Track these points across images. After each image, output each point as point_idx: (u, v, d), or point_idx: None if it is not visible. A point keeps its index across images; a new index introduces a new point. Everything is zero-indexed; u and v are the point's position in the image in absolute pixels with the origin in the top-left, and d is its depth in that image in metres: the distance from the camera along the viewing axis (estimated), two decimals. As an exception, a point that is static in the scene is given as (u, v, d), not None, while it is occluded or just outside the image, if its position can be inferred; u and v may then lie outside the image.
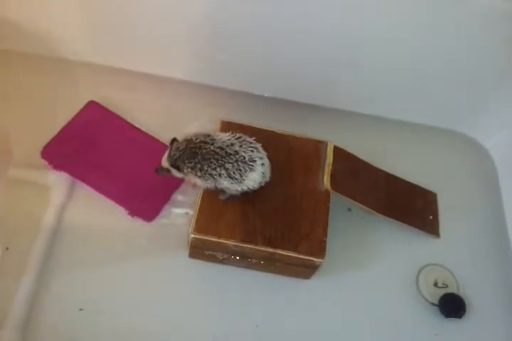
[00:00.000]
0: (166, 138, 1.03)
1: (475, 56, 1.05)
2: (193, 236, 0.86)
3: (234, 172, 0.83)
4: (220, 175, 0.83)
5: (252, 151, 0.84)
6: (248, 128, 0.95)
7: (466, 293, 0.97)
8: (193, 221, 0.86)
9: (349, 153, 1.01)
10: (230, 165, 0.82)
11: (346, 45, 1.05)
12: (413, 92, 1.14)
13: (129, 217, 0.96)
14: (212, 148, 0.82)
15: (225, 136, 0.85)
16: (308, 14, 0.99)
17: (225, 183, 0.84)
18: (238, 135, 0.85)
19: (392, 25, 1.00)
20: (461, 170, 1.16)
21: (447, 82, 1.11)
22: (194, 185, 0.89)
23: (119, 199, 0.96)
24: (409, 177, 1.08)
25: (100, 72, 1.14)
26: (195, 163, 0.83)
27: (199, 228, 0.85)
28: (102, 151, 1.01)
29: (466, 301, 0.95)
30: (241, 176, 0.83)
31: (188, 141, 0.84)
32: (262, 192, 0.88)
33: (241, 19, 1.04)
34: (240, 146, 0.83)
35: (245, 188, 0.86)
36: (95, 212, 0.95)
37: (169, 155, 0.85)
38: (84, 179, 0.98)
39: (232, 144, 0.83)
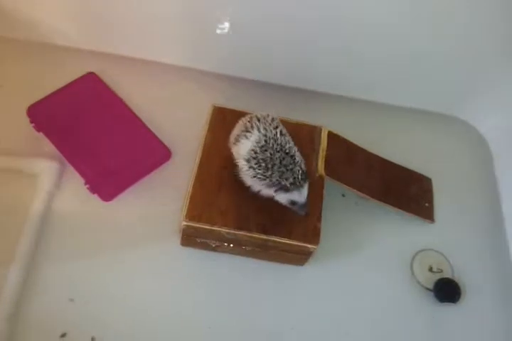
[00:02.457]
0: (155, 122, 1.02)
1: (468, 40, 1.03)
2: (184, 223, 0.84)
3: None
4: None
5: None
6: (240, 113, 0.93)
7: (461, 277, 0.96)
8: (185, 208, 0.84)
9: (343, 139, 0.99)
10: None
11: (342, 31, 1.03)
12: (407, 77, 1.12)
13: (119, 206, 0.94)
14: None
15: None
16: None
17: None
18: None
19: (387, 11, 0.98)
20: (456, 154, 1.15)
21: (441, 66, 1.09)
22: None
23: (84, 173, 0.95)
24: (403, 162, 1.07)
25: (90, 58, 1.11)
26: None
27: (191, 215, 0.84)
28: (86, 122, 1.00)
29: (461, 286, 0.95)
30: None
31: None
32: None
33: (232, 3, 1.01)
34: None
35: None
36: (84, 201, 0.93)
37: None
38: (58, 145, 0.97)
39: None
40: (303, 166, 0.81)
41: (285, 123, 0.95)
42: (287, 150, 0.80)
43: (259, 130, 0.80)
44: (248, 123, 0.82)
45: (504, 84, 1.11)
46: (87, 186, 0.94)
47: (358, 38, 1.04)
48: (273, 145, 0.79)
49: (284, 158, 0.79)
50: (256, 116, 0.83)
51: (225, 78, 1.14)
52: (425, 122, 1.18)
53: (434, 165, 1.10)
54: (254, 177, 0.81)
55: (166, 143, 1.00)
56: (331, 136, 0.96)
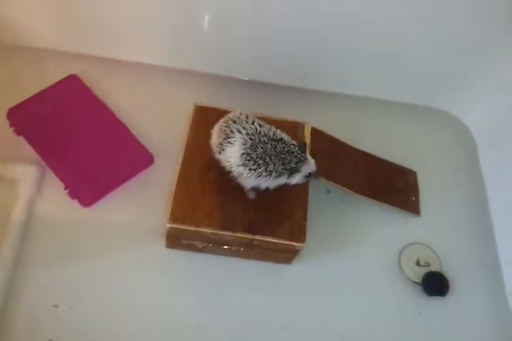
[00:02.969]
0: (137, 125, 1.01)
1: (450, 32, 1.03)
2: (168, 225, 0.83)
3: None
4: None
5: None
6: (223, 112, 0.92)
7: (449, 270, 0.96)
8: (168, 210, 0.83)
9: (327, 134, 0.99)
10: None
11: (322, 26, 1.02)
12: (389, 70, 1.12)
13: (103, 210, 0.93)
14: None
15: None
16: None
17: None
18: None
19: (369, 5, 0.97)
20: (440, 146, 1.15)
21: (423, 58, 1.09)
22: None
23: (64, 177, 0.93)
24: (388, 156, 1.06)
25: (70, 60, 1.09)
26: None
27: (174, 217, 0.83)
28: (67, 126, 0.99)
29: (449, 279, 0.95)
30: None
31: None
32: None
33: (211, 2, 1.00)
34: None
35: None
36: (66, 205, 0.92)
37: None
38: (38, 149, 0.96)
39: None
40: (293, 142, 0.80)
41: (267, 120, 0.93)
42: (274, 137, 0.79)
43: (240, 132, 0.79)
44: (226, 128, 0.80)
45: (487, 75, 1.11)
46: (67, 191, 0.92)
47: (339, 32, 1.03)
48: (260, 139, 0.78)
49: (276, 146, 0.78)
50: (231, 119, 0.81)
51: (206, 77, 1.13)
52: (409, 115, 1.18)
53: (419, 158, 1.10)
54: (259, 176, 0.79)
55: (149, 145, 0.99)
56: (314, 132, 0.95)
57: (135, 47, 1.12)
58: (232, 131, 0.79)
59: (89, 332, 0.83)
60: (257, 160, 0.78)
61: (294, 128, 0.96)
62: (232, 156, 0.79)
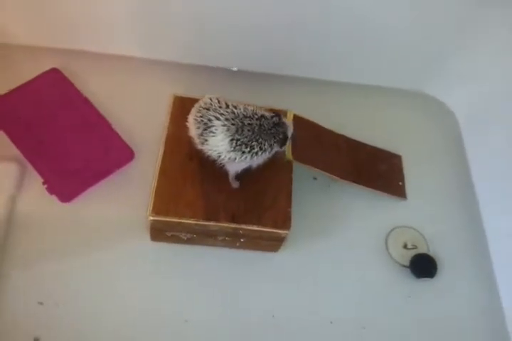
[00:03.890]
0: (119, 118, 1.00)
1: (429, 12, 1.02)
2: (151, 218, 0.82)
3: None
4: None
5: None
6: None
7: (437, 252, 0.97)
8: (150, 202, 0.82)
9: (309, 121, 0.98)
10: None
11: (299, 11, 1.00)
12: (369, 54, 1.11)
13: (86, 206, 0.91)
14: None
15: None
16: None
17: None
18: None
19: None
20: (424, 130, 1.15)
21: (403, 40, 1.08)
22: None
23: (43, 172, 0.92)
24: (373, 141, 1.06)
25: (48, 55, 1.07)
26: None
27: (157, 209, 0.82)
28: (48, 120, 0.98)
29: (437, 260, 0.95)
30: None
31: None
32: (222, 168, 0.84)
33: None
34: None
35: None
36: (48, 202, 0.90)
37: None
38: (18, 143, 0.94)
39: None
40: (271, 113, 0.79)
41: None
42: (256, 115, 0.77)
43: (218, 119, 0.77)
44: (202, 118, 0.78)
45: (468, 57, 1.10)
46: (45, 186, 0.91)
47: (315, 18, 1.02)
48: (243, 122, 0.76)
49: (262, 124, 0.77)
50: (203, 108, 0.78)
51: (184, 67, 1.11)
52: (392, 99, 1.17)
53: (404, 141, 1.10)
54: (253, 157, 0.78)
55: (131, 139, 0.98)
56: (297, 119, 0.94)
57: (112, 40, 1.10)
58: (210, 120, 0.77)
59: (75, 328, 0.82)
60: (249, 143, 0.77)
61: (275, 115, 0.95)
62: (218, 145, 0.77)
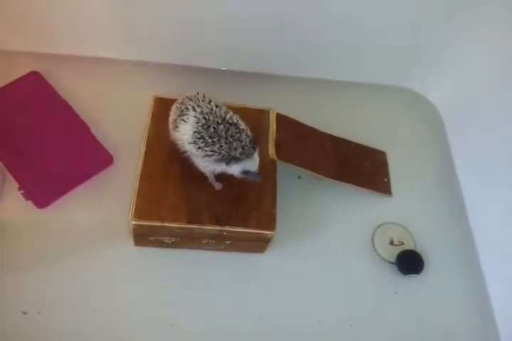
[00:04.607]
0: (98, 122, 0.98)
1: (410, 9, 1.01)
2: (133, 222, 0.81)
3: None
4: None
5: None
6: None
7: (423, 248, 0.96)
8: (132, 206, 0.81)
9: (292, 120, 0.97)
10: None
11: (280, 10, 1.00)
12: (351, 51, 1.10)
13: (67, 212, 0.90)
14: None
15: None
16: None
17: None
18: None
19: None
20: (407, 125, 1.14)
21: (385, 37, 1.07)
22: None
23: (19, 178, 0.91)
24: (356, 138, 1.06)
25: (22, 59, 1.06)
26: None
27: (139, 213, 0.81)
28: (25, 123, 0.96)
29: (423, 257, 0.95)
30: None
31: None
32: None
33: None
34: None
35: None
36: (27, 208, 0.89)
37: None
38: None
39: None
40: (249, 133, 0.78)
41: (231, 108, 0.92)
42: (229, 120, 0.77)
43: (194, 109, 0.78)
44: (181, 105, 0.79)
45: (449, 52, 1.10)
46: (21, 192, 0.89)
47: (296, 15, 1.01)
48: (214, 119, 0.77)
49: (228, 129, 0.77)
50: (187, 97, 0.80)
51: (165, 67, 1.10)
52: (374, 95, 1.17)
53: (388, 138, 1.09)
54: (206, 156, 0.78)
55: (111, 142, 0.97)
56: (280, 118, 0.94)
57: (89, 42, 1.08)
58: (187, 108, 0.79)
59: (60, 337, 0.80)
60: (207, 139, 0.77)
61: (258, 115, 0.94)
62: (184, 133, 0.79)
